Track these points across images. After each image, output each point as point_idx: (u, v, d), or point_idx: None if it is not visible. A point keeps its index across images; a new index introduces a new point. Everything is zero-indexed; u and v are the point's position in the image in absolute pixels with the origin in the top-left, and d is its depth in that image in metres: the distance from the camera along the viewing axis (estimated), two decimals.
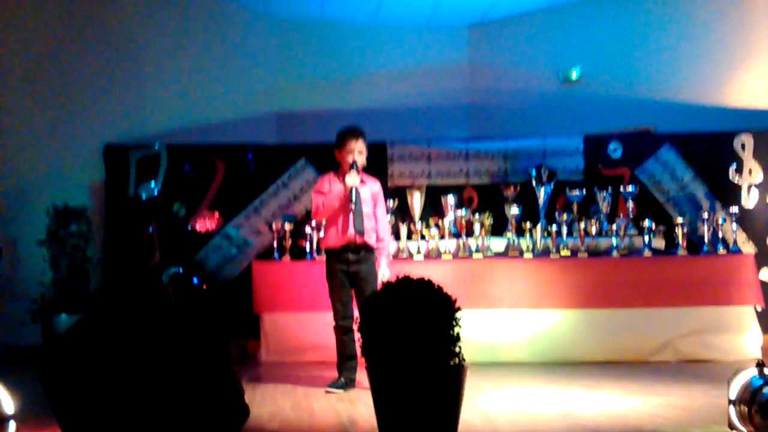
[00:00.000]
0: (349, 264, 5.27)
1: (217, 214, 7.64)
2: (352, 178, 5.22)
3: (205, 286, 7.28)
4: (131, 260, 7.48)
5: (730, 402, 3.70)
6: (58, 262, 7.32)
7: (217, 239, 7.59)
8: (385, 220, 5.59)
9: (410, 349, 3.53)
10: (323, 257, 7.00)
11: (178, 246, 7.55)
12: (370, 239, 5.33)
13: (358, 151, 5.30)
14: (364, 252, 5.31)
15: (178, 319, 3.49)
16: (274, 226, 7.21)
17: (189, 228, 7.59)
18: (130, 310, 3.52)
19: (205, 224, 7.59)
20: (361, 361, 4.19)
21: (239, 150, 7.84)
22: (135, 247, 7.49)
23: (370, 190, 5.42)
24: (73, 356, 3.25)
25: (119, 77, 8.30)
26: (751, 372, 3.69)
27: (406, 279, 3.77)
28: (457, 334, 3.66)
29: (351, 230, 5.24)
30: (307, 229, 7.15)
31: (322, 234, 7.01)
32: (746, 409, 3.64)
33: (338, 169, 5.44)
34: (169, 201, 7.62)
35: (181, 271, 7.38)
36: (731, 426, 3.69)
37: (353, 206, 5.20)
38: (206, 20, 9.16)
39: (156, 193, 7.62)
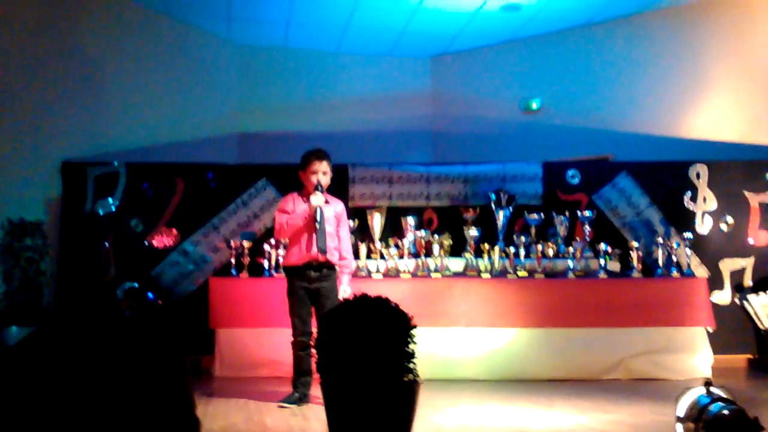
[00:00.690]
0: (310, 281, 5.29)
1: (174, 231, 7.59)
2: (317, 198, 5.26)
3: (160, 302, 7.22)
4: (86, 275, 7.39)
5: (678, 419, 3.75)
6: (11, 274, 7.20)
7: (174, 255, 7.54)
8: (348, 240, 5.63)
9: (365, 364, 3.54)
10: (281, 275, 7.03)
11: (133, 262, 7.47)
12: (333, 258, 5.37)
13: (322, 172, 5.35)
14: (326, 270, 5.33)
15: (130, 331, 3.46)
16: (232, 244, 7.20)
17: (146, 244, 7.53)
18: (83, 324, 3.49)
19: (162, 240, 7.54)
20: (316, 376, 4.19)
21: (199, 169, 7.82)
22: (90, 262, 7.41)
23: (333, 210, 5.47)
24: (24, 369, 3.20)
25: (81, 94, 8.23)
26: (699, 390, 3.75)
27: (364, 296, 3.79)
28: (412, 350, 3.68)
29: (314, 248, 5.27)
30: (266, 247, 7.15)
31: (281, 252, 7.05)
32: (693, 426, 3.69)
33: (302, 189, 5.48)
34: (126, 217, 7.57)
35: (136, 286, 7.32)
36: None
37: (317, 225, 5.23)
38: (171, 43, 9.18)
39: (113, 209, 7.56)
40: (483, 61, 10.41)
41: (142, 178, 7.65)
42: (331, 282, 5.33)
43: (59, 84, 8.10)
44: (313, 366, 4.06)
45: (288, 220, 5.31)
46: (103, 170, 7.63)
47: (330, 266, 5.36)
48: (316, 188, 5.29)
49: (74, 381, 3.17)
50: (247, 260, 7.13)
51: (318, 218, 5.23)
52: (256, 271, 7.18)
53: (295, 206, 5.39)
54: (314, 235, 5.27)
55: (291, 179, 7.51)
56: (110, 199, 7.56)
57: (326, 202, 5.39)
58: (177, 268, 7.52)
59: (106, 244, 7.46)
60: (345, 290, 5.35)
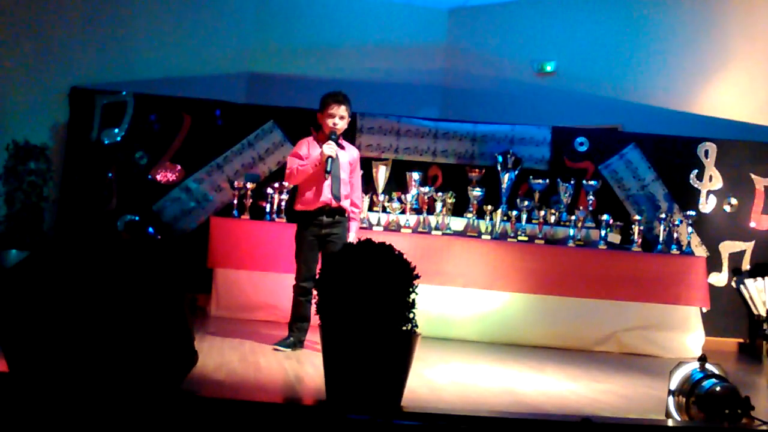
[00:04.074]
0: (322, 227, 5.22)
1: (179, 167, 7.56)
2: (330, 148, 5.13)
3: (159, 237, 7.22)
4: (87, 203, 7.38)
5: (670, 392, 3.77)
6: (14, 197, 7.22)
7: (177, 191, 7.52)
8: (360, 188, 5.57)
9: (365, 309, 3.53)
10: (282, 219, 7.02)
11: (136, 194, 7.47)
12: (346, 204, 5.32)
13: (339, 116, 5.23)
14: (339, 216, 5.28)
15: (131, 260, 3.45)
16: (235, 184, 7.18)
17: (149, 178, 7.51)
18: (83, 249, 3.47)
19: (166, 175, 7.52)
20: (312, 324, 4.19)
21: (207, 105, 7.77)
22: (92, 191, 7.39)
23: (348, 156, 5.39)
24: (22, 289, 3.20)
25: (94, 22, 8.16)
26: (693, 365, 3.76)
27: (368, 242, 3.77)
28: (413, 300, 3.67)
29: (327, 194, 5.21)
30: (269, 191, 7.12)
31: (284, 197, 7.03)
32: (684, 399, 3.71)
33: (319, 132, 5.38)
34: (131, 149, 7.52)
35: (137, 219, 7.32)
36: (668, 415, 3.76)
37: (327, 176, 5.14)
38: None
39: (119, 139, 7.52)
40: (500, 18, 10.25)
41: (149, 111, 7.60)
42: (341, 229, 5.27)
43: (74, 10, 8.00)
44: (313, 309, 4.05)
45: (299, 166, 5.21)
46: (111, 99, 7.58)
47: (342, 212, 5.30)
48: (329, 137, 5.18)
49: (71, 304, 3.16)
50: (249, 202, 7.11)
51: (328, 168, 5.12)
52: (258, 213, 7.16)
53: (309, 151, 5.28)
54: (328, 181, 5.20)
55: (299, 122, 7.52)
56: (116, 129, 7.52)
57: (341, 147, 5.32)
58: (179, 205, 7.51)
59: (110, 174, 7.44)
60: (351, 236, 5.31)
